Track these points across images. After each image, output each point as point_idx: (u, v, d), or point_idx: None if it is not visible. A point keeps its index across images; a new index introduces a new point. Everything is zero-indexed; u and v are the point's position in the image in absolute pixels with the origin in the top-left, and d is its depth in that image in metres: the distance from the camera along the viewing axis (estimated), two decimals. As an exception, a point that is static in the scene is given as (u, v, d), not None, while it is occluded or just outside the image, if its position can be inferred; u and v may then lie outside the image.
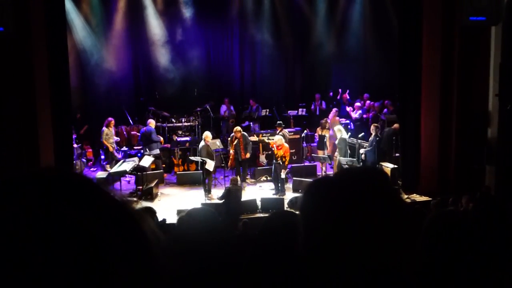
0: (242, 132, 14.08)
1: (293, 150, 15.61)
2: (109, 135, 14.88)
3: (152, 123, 15.06)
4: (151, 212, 7.79)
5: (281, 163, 13.07)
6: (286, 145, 13.33)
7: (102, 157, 15.89)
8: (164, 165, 15.15)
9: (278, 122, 15.25)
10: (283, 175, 13.17)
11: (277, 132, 14.67)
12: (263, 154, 15.56)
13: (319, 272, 1.29)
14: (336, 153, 14.09)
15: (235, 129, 14.26)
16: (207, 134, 13.64)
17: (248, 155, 14.02)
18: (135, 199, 12.45)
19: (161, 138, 15.13)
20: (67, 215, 0.71)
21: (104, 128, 14.84)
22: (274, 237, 2.01)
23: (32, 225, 0.69)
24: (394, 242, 1.25)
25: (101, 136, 14.87)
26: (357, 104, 17.87)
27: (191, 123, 17.33)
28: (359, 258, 1.24)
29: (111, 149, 14.85)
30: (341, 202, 1.28)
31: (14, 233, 0.68)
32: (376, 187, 1.32)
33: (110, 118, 15.08)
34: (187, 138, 16.31)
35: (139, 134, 15.61)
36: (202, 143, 13.53)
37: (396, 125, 14.35)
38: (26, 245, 0.68)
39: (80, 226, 0.71)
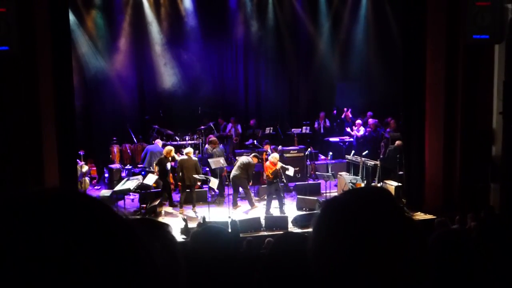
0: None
1: (297, 168, 15.57)
2: None
3: (160, 143, 15.25)
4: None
5: (274, 180, 13.04)
6: (267, 163, 13.32)
7: (106, 175, 15.86)
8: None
9: (266, 140, 15.45)
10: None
11: (267, 151, 14.84)
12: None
13: None
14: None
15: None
16: (190, 150, 13.71)
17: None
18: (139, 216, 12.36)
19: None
20: (66, 235, 0.71)
21: None
22: (282, 262, 2.00)
23: (27, 245, 0.69)
24: (403, 260, 1.25)
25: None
26: (358, 121, 17.84)
27: (195, 141, 17.33)
28: (368, 277, 1.24)
29: None
30: (348, 223, 1.28)
31: (10, 253, 0.68)
32: (381, 206, 1.33)
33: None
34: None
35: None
36: (183, 157, 13.57)
37: (398, 142, 14.33)
38: (25, 267, 0.67)
39: (81, 246, 0.71)
